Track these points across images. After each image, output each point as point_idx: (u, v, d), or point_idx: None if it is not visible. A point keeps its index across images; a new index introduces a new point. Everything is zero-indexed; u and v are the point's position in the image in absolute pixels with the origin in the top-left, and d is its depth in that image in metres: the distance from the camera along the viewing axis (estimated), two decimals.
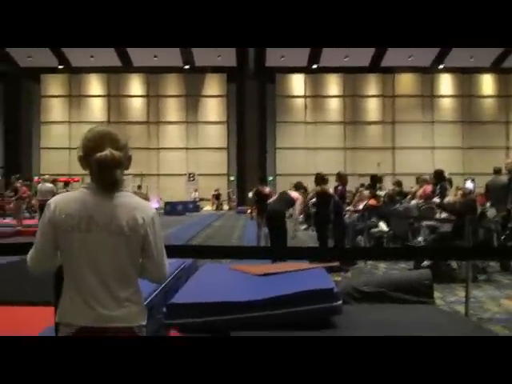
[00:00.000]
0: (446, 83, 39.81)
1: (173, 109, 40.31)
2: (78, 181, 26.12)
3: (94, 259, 2.00)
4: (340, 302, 5.11)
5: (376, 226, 11.61)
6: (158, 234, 2.11)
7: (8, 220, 19.35)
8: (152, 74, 39.25)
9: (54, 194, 14.05)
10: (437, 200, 9.55)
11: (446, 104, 39.75)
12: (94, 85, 40.55)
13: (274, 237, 9.12)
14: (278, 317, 4.94)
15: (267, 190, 12.40)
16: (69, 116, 39.41)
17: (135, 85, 40.54)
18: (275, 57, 35.81)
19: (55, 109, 39.59)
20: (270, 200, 9.80)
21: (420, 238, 8.78)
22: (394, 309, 5.78)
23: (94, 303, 2.00)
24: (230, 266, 7.18)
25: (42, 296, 2.16)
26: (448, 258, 6.87)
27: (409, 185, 17.33)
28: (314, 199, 10.52)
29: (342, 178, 10.40)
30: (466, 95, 39.25)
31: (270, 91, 39.31)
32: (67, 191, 1.94)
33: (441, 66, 37.97)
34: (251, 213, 12.88)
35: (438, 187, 11.42)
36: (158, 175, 39.52)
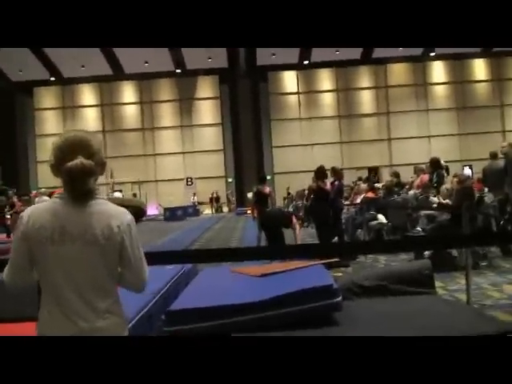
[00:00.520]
0: (438, 70, 39.78)
1: (167, 114, 40.30)
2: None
3: (69, 271, 1.95)
4: (340, 298, 5.07)
5: (375, 218, 11.57)
6: (134, 241, 2.05)
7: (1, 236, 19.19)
8: (144, 80, 39.23)
9: None
10: (435, 200, 9.48)
11: (440, 91, 39.72)
12: (87, 95, 40.55)
13: (271, 239, 9.11)
14: (277, 317, 4.90)
15: (267, 189, 12.36)
16: (63, 128, 39.26)
17: (128, 92, 40.54)
18: (266, 55, 35.78)
19: (49, 121, 39.57)
20: (269, 208, 9.83)
21: (418, 228, 8.74)
22: (395, 301, 5.74)
23: (72, 316, 1.94)
24: (229, 269, 7.15)
25: (23, 312, 2.13)
26: (447, 246, 6.84)
27: (407, 175, 17.29)
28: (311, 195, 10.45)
29: (337, 173, 10.36)
30: (459, 81, 39.23)
31: (263, 90, 39.32)
32: None
33: (432, 54, 37.95)
34: (252, 213, 12.83)
35: (435, 175, 11.39)
36: (156, 181, 39.50)
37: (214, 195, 37.28)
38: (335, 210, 10.02)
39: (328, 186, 9.85)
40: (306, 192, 12.28)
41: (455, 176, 10.02)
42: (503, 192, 9.72)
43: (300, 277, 5.80)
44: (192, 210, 33.23)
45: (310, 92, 39.83)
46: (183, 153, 39.84)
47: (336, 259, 8.00)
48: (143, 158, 39.52)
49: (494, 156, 10.93)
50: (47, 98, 40.27)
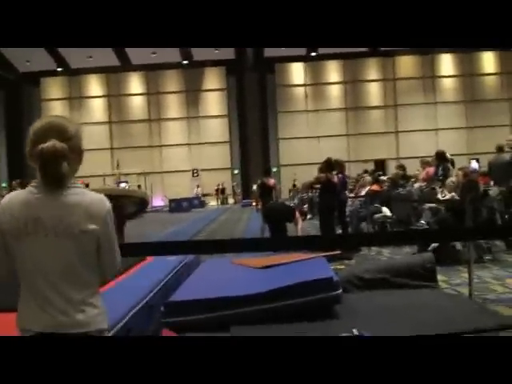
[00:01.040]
0: (446, 63, 39.49)
1: (173, 105, 40.26)
2: (81, 183, 26.11)
3: (43, 262, 1.91)
4: (340, 290, 5.05)
5: (379, 211, 11.51)
6: (110, 231, 2.01)
7: None
8: (151, 71, 39.18)
9: None
10: (440, 196, 9.40)
11: (448, 84, 39.46)
12: (94, 85, 40.56)
13: (273, 232, 9.09)
14: (277, 309, 4.88)
15: (272, 181, 12.34)
16: (70, 118, 39.30)
17: (135, 83, 40.51)
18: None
19: (56, 111, 39.53)
20: (273, 201, 9.80)
21: (422, 221, 8.68)
22: (396, 294, 5.71)
23: (48, 308, 1.91)
24: (230, 261, 7.13)
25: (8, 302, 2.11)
26: (450, 239, 6.79)
27: (414, 168, 17.18)
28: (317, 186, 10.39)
29: (340, 166, 10.31)
30: (468, 74, 38.93)
31: (270, 81, 39.17)
32: None
33: None
34: (257, 205, 12.83)
35: (441, 168, 11.31)
36: (162, 173, 39.50)
37: (220, 187, 37.27)
38: (339, 202, 9.98)
39: (336, 179, 9.81)
40: (312, 182, 12.15)
41: (460, 169, 9.94)
42: (509, 185, 9.64)
43: (301, 269, 5.77)
44: (197, 202, 33.23)
45: (317, 84, 39.65)
46: (189, 144, 39.82)
47: (338, 252, 7.99)
48: (149, 149, 39.52)
49: (500, 149, 10.82)
50: (54, 88, 40.30)
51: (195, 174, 38.54)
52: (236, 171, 39.23)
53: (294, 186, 32.27)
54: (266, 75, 38.77)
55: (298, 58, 38.33)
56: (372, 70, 39.79)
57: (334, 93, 39.85)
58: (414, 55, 38.77)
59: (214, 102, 40.23)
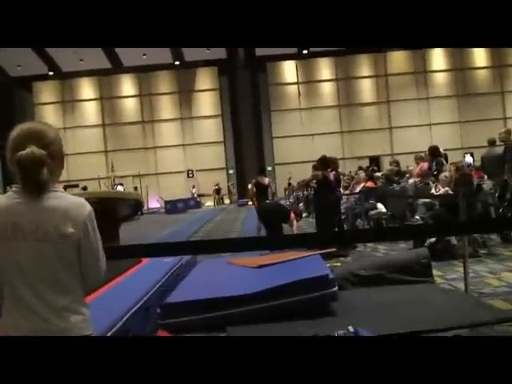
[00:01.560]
0: (438, 58, 39.59)
1: (166, 106, 40.23)
2: (76, 186, 26.07)
3: (23, 268, 1.89)
4: (335, 288, 5.08)
5: (374, 207, 11.53)
6: (91, 236, 1.97)
7: None
8: (143, 72, 39.13)
9: None
10: (434, 191, 9.41)
11: (440, 79, 39.56)
12: (86, 88, 40.47)
13: (269, 229, 9.10)
14: (273, 308, 4.90)
15: (266, 180, 12.33)
16: (63, 122, 39.28)
17: (127, 85, 40.46)
18: None
19: (49, 116, 39.45)
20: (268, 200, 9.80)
21: (417, 217, 8.70)
22: (391, 290, 5.73)
23: (30, 314, 1.89)
24: (226, 261, 7.14)
25: None
26: (445, 233, 6.80)
27: (409, 164, 17.24)
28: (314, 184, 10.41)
29: (333, 163, 10.32)
30: (459, 68, 39.03)
31: (263, 80, 39.20)
32: None
33: None
34: (253, 204, 12.82)
35: (434, 163, 11.33)
36: (157, 174, 39.47)
37: (216, 187, 37.27)
38: (334, 199, 9.99)
39: (331, 176, 9.82)
40: (308, 180, 12.15)
41: (453, 164, 9.96)
42: (502, 179, 9.67)
43: (296, 267, 5.80)
44: (193, 203, 33.21)
45: (309, 82, 39.68)
46: (183, 145, 39.80)
47: (333, 249, 8.00)
48: (143, 151, 39.49)
49: (492, 143, 10.85)
50: (46, 92, 40.19)
51: (190, 175, 38.53)
52: (231, 171, 39.24)
53: (290, 184, 32.29)
54: (258, 74, 38.78)
55: (289, 57, 38.34)
56: (364, 66, 39.85)
57: (327, 90, 39.89)
58: (405, 50, 38.83)
59: (206, 102, 40.21)
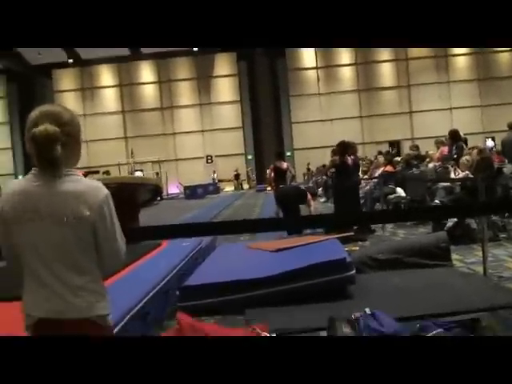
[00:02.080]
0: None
1: (185, 92, 40.26)
2: (97, 172, 26.27)
3: (42, 250, 1.94)
4: (353, 271, 5.09)
5: (393, 192, 11.47)
6: (108, 220, 1.99)
7: None
8: (161, 59, 39.16)
9: None
10: (453, 175, 9.30)
11: (461, 63, 38.96)
12: (106, 75, 40.67)
13: (286, 214, 9.12)
14: (291, 291, 4.93)
15: (285, 165, 12.32)
16: (83, 109, 39.57)
17: (146, 71, 40.55)
18: None
19: (69, 103, 39.70)
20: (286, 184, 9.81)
21: (437, 201, 8.64)
22: (409, 274, 5.73)
23: (48, 294, 1.94)
24: (245, 245, 7.19)
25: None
26: (465, 215, 6.74)
27: (429, 148, 17.05)
28: (332, 170, 10.39)
29: (351, 147, 10.27)
30: (480, 52, 38.37)
31: (281, 66, 38.94)
32: None
33: None
34: (272, 189, 12.82)
35: (455, 147, 11.21)
36: (176, 160, 39.63)
37: (236, 172, 37.32)
38: (352, 184, 9.96)
39: (350, 161, 9.79)
40: (328, 166, 12.15)
41: (473, 148, 9.85)
42: None
43: (314, 251, 5.81)
44: (212, 188, 33.31)
45: (328, 66, 39.37)
46: (202, 131, 39.86)
47: (351, 233, 8.00)
48: (163, 137, 39.64)
49: None
50: (66, 79, 40.48)
51: (209, 161, 38.62)
52: (250, 156, 39.22)
53: (309, 169, 32.19)
54: (277, 59, 38.53)
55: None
56: (384, 50, 39.35)
57: (346, 75, 39.55)
58: None
59: (225, 87, 40.15)
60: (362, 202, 11.31)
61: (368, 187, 12.62)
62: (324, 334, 3.91)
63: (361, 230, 8.78)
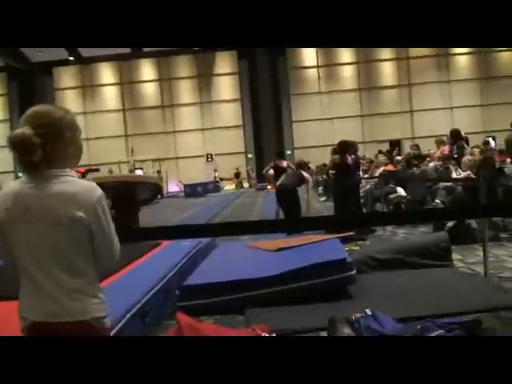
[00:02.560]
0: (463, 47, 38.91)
1: (186, 90, 40.21)
2: (97, 170, 26.28)
3: (37, 251, 1.92)
4: (353, 271, 5.07)
5: (394, 191, 11.45)
6: (103, 220, 1.97)
7: None
8: (162, 57, 39.12)
9: None
10: (455, 175, 9.27)
11: (462, 62, 38.91)
12: (106, 73, 40.61)
13: (286, 213, 9.05)
14: (291, 291, 4.92)
15: (285, 163, 12.29)
16: (84, 107, 39.55)
17: (147, 70, 40.49)
18: None
19: (70, 101, 39.69)
20: (281, 178, 9.64)
21: (437, 201, 8.62)
22: (410, 274, 5.71)
23: (43, 296, 1.92)
24: (245, 244, 7.18)
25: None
26: (467, 216, 6.72)
27: (430, 148, 17.02)
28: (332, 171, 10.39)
29: (352, 146, 10.25)
30: (482, 51, 38.31)
31: (282, 64, 38.90)
32: None
33: None
34: (272, 187, 12.80)
35: (455, 147, 11.20)
36: (177, 158, 39.60)
37: (236, 171, 37.27)
38: (353, 183, 9.95)
39: (350, 160, 9.77)
40: (328, 165, 12.15)
41: (475, 147, 9.82)
42: None
43: (314, 251, 5.80)
44: (212, 186, 33.28)
45: (329, 65, 39.30)
46: (203, 129, 39.81)
47: (352, 233, 7.98)
48: (163, 136, 39.59)
49: None
50: (67, 77, 40.41)
51: (209, 159, 38.58)
52: (250, 155, 39.17)
53: (308, 168, 32.12)
54: (278, 58, 38.48)
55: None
56: (385, 49, 39.29)
57: (347, 73, 39.48)
58: None
59: (226, 86, 40.10)
60: (362, 201, 11.29)
61: (368, 186, 12.61)
62: (324, 334, 3.90)
63: (361, 229, 8.77)
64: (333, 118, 38.28)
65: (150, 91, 40.45)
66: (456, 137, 11.28)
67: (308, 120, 38.44)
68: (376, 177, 12.42)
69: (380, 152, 19.29)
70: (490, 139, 30.70)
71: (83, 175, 19.07)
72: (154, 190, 12.93)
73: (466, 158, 9.43)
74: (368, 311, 3.74)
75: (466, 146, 11.37)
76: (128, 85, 40.39)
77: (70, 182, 1.95)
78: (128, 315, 3.91)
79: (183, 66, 40.10)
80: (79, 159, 2.09)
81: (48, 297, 1.92)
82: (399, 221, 5.98)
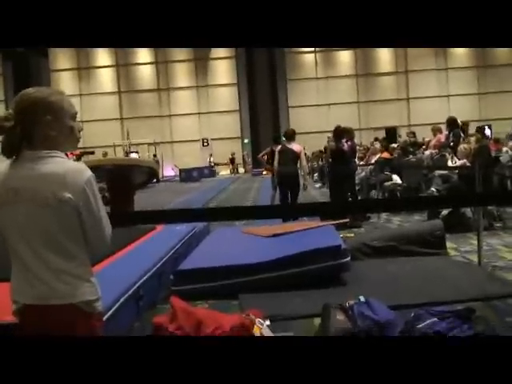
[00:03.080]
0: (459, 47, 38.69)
1: (182, 74, 40.02)
2: (92, 153, 26.13)
3: (26, 233, 1.90)
4: (348, 258, 5.08)
5: (389, 179, 11.45)
6: (92, 201, 1.94)
7: None
8: None
9: None
10: (451, 163, 9.26)
11: (460, 50, 38.78)
12: (102, 55, 40.34)
13: (285, 198, 8.99)
14: (285, 277, 4.92)
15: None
16: (79, 89, 39.34)
17: (143, 52, 40.22)
18: None
19: (65, 82, 39.48)
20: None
21: (433, 188, 8.63)
22: (404, 262, 5.73)
23: (33, 279, 1.90)
24: (240, 230, 7.17)
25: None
26: (461, 205, 6.73)
27: (426, 135, 17.03)
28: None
29: (348, 133, 10.22)
30: None
31: (279, 49, 38.68)
32: None
33: None
34: (268, 173, 12.72)
35: (452, 135, 11.19)
36: (172, 142, 39.50)
37: (231, 156, 37.19)
38: (348, 170, 9.94)
39: (346, 147, 9.74)
40: (324, 152, 12.10)
41: (472, 135, 9.81)
42: None
43: (309, 237, 5.80)
44: (208, 171, 33.27)
45: (326, 51, 39.15)
46: (199, 113, 39.69)
47: (347, 220, 7.98)
48: (159, 119, 39.46)
49: None
50: (62, 58, 40.13)
51: (205, 144, 38.49)
52: (246, 140, 39.10)
53: (305, 154, 32.07)
54: None
55: None
56: None
57: (344, 59, 39.36)
58: None
59: (222, 70, 39.92)
60: (357, 188, 11.29)
61: (364, 173, 12.60)
62: (318, 320, 3.91)
63: (356, 216, 8.77)
64: (329, 104, 38.23)
65: (146, 74, 40.24)
66: (453, 125, 11.26)
67: (304, 106, 38.35)
68: (372, 164, 12.41)
69: (376, 139, 19.25)
70: (486, 127, 30.79)
71: (78, 158, 18.98)
72: (150, 173, 12.85)
73: (462, 147, 9.42)
74: (362, 298, 3.75)
75: (461, 134, 11.36)
76: (124, 67, 40.17)
77: (57, 163, 1.93)
78: (122, 299, 3.91)
79: (180, 49, 39.83)
80: (73, 143, 2.06)
81: (37, 278, 1.90)
82: (394, 208, 5.99)
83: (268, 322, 3.77)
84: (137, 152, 33.69)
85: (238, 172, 36.57)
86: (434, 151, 11.78)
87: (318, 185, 18.58)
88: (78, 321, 1.94)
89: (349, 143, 9.86)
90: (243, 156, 38.14)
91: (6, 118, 1.89)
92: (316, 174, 20.00)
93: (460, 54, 38.74)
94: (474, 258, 6.06)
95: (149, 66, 40.24)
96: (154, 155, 34.37)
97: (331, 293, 4.63)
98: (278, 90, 38.61)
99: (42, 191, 1.88)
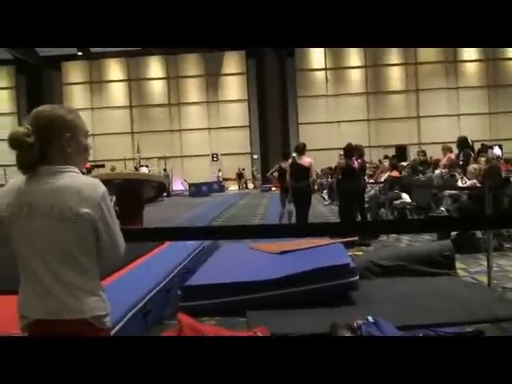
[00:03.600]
0: (468, 48, 38.78)
1: (193, 89, 40.24)
2: (102, 166, 26.34)
3: (40, 247, 1.91)
4: (356, 277, 5.05)
5: (399, 197, 11.42)
6: (107, 216, 1.96)
7: None
8: (171, 55, 39.16)
9: None
10: (460, 183, 9.23)
11: (470, 69, 38.82)
12: (114, 70, 40.68)
13: (300, 212, 9.03)
14: (293, 295, 4.90)
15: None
16: (91, 102, 39.65)
17: (155, 67, 40.54)
18: None
19: (77, 96, 39.85)
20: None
21: (442, 208, 8.59)
22: (413, 282, 5.69)
23: (45, 293, 1.91)
24: (248, 246, 7.17)
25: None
26: (471, 227, 6.68)
27: (436, 154, 17.00)
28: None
29: (359, 150, 10.23)
30: (490, 59, 38.23)
31: (290, 65, 38.87)
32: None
33: None
34: (277, 187, 12.74)
35: (462, 154, 11.17)
36: (182, 157, 39.62)
37: (238, 171, 37.23)
38: (358, 188, 9.93)
39: (356, 164, 9.75)
40: (334, 170, 12.11)
41: (481, 155, 9.77)
42: None
43: (317, 255, 5.78)
44: (217, 186, 33.30)
45: (337, 68, 39.27)
46: (209, 129, 39.83)
47: (356, 238, 7.96)
48: (169, 134, 39.63)
49: None
50: (75, 72, 40.50)
51: (215, 159, 38.58)
52: (256, 156, 39.16)
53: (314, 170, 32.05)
54: (286, 59, 38.48)
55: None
56: (393, 54, 39.24)
57: (355, 77, 39.43)
58: None
59: (233, 86, 40.11)
60: (366, 206, 11.27)
61: (373, 192, 12.58)
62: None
63: (365, 235, 8.74)
64: (339, 122, 38.22)
65: (157, 89, 40.50)
66: (463, 144, 11.24)
67: (314, 123, 38.40)
68: (381, 182, 12.39)
69: (386, 157, 19.23)
70: (496, 147, 30.68)
71: (88, 171, 19.08)
72: (159, 188, 12.93)
73: (472, 167, 9.38)
74: (370, 318, 3.73)
75: (472, 153, 11.33)
76: (136, 82, 40.47)
77: (73, 178, 1.96)
78: (130, 314, 3.91)
79: (191, 64, 40.14)
80: (85, 159, 2.10)
81: (49, 293, 1.91)
82: (404, 230, 5.95)
83: None
84: (147, 166, 33.85)
85: (247, 187, 36.61)
86: (444, 170, 11.75)
87: (326, 202, 18.54)
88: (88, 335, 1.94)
89: (359, 161, 9.86)
90: (252, 172, 38.18)
91: (27, 134, 1.91)
92: (325, 191, 19.96)
93: (471, 73, 38.73)
94: (484, 279, 6.01)
95: (160, 80, 40.51)
96: (164, 169, 34.50)
97: (339, 312, 4.60)
98: (288, 106, 38.70)
99: (58, 205, 1.90)
